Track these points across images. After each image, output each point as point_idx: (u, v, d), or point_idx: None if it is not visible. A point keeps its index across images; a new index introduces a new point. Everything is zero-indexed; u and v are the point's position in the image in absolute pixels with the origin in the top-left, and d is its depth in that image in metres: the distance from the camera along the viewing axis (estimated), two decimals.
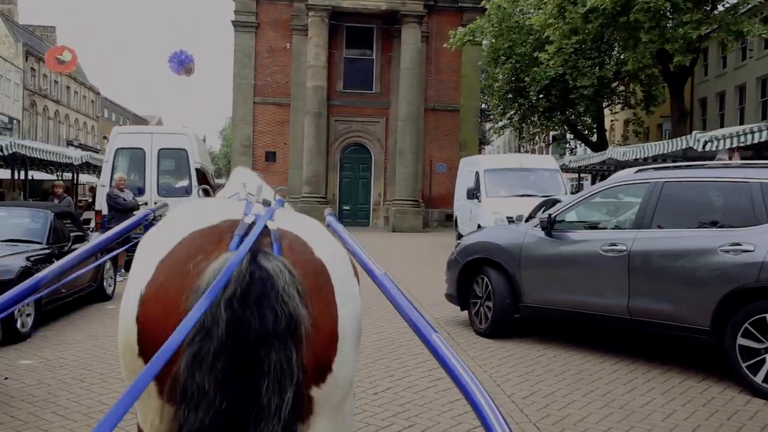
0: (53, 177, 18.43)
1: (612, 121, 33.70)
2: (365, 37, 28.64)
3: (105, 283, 9.55)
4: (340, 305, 1.86)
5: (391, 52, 28.18)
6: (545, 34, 21.23)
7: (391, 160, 28.25)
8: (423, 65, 27.11)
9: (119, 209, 10.84)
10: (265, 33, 28.40)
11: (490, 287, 7.49)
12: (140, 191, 12.99)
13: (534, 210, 12.68)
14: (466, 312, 8.13)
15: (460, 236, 17.77)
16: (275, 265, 1.67)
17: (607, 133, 32.81)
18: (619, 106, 31.03)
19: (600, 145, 30.69)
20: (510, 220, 13.99)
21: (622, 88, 29.87)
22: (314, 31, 26.41)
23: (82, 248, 2.55)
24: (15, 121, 43.33)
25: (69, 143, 45.20)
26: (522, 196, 15.34)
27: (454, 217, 19.49)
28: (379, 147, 28.57)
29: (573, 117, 31.26)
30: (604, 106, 29.68)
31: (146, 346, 1.74)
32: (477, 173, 16.37)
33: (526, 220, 12.27)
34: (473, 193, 15.72)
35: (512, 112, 36.59)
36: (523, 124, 36.92)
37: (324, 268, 1.87)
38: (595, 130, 34.64)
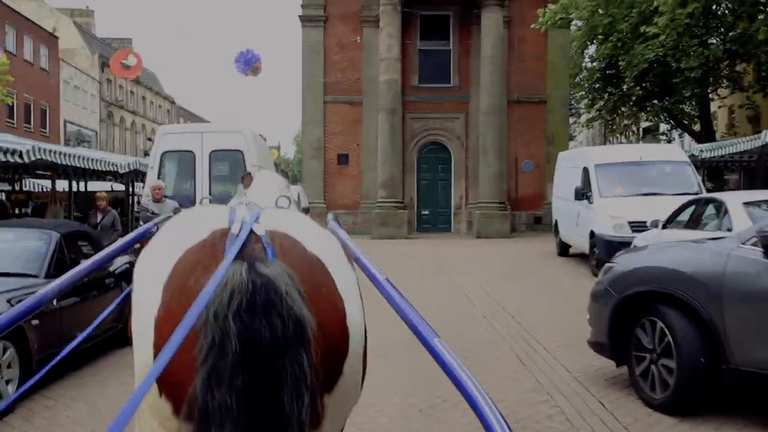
0: (108, 188, 16.80)
1: (719, 106, 29.80)
2: (441, 25, 26.06)
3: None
4: (345, 299, 1.85)
5: (470, 41, 25.48)
6: (654, 4, 18.10)
7: (472, 159, 25.54)
8: (505, 53, 24.29)
9: None
10: (334, 27, 26.25)
11: (669, 337, 4.87)
12: (191, 201, 10.90)
13: (675, 212, 9.81)
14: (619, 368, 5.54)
15: (563, 244, 15.00)
16: (273, 270, 1.65)
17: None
18: (728, 89, 27.17)
19: (704, 135, 27.03)
20: (637, 226, 11.15)
21: (734, 68, 26.07)
22: (386, 20, 24.04)
23: (78, 267, 2.40)
24: (93, 133, 43.05)
25: (145, 153, 44.61)
26: (645, 195, 12.43)
27: (554, 222, 16.65)
28: (459, 145, 25.92)
29: (673, 105, 27.69)
30: (709, 90, 25.97)
31: (165, 370, 1.60)
32: (585, 169, 13.53)
33: (664, 225, 9.44)
34: (582, 193, 12.89)
35: (601, 103, 33.32)
36: (615, 116, 33.55)
37: (320, 262, 1.86)
38: (697, 119, 30.91)
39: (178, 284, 1.78)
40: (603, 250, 11.94)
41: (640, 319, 5.18)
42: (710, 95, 26.36)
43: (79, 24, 45.48)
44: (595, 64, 31.12)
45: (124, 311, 7.04)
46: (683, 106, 29.59)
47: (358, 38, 26.15)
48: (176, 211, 9.03)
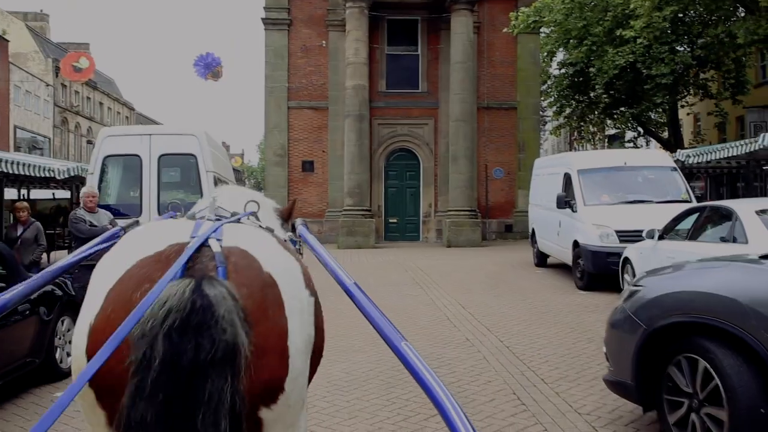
0: (54, 195, 15.32)
1: (687, 113, 29.47)
2: (409, 30, 25.14)
3: (56, 354, 6.17)
4: (290, 320, 1.83)
5: (439, 46, 24.61)
6: (630, 6, 17.43)
7: (441, 167, 24.64)
8: (475, 58, 23.45)
9: (83, 238, 7.54)
10: (298, 30, 25.13)
11: (716, 380, 3.87)
12: (137, 211, 9.66)
13: (673, 221, 8.92)
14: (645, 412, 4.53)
15: (541, 254, 14.09)
16: (218, 292, 1.63)
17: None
18: (696, 97, 26.82)
19: (673, 143, 26.64)
20: (625, 236, 10.27)
21: (702, 75, 25.73)
22: (353, 24, 23.02)
23: (18, 287, 2.28)
24: (46, 139, 40.99)
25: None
26: (632, 202, 11.58)
27: (530, 230, 15.73)
28: (428, 152, 24.99)
29: (641, 112, 27.22)
30: (678, 97, 25.56)
31: (96, 377, 1.64)
32: (567, 175, 12.63)
33: (661, 236, 8.54)
34: (565, 201, 11.98)
35: (569, 110, 32.84)
36: (582, 123, 33.11)
37: (273, 282, 1.84)
38: (665, 126, 30.58)
39: (121, 295, 1.78)
40: (588, 261, 11.04)
41: (675, 356, 4.19)
42: (679, 102, 25.94)
43: (32, 28, 43.41)
44: (563, 70, 30.62)
45: (43, 344, 5.84)
46: (651, 113, 29.20)
47: (324, 42, 25.09)
48: (112, 223, 7.83)
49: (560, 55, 31.76)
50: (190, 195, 10.30)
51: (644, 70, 23.46)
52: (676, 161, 13.60)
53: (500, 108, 25.12)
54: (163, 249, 1.86)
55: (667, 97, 24.22)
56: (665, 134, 29.83)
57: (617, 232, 10.79)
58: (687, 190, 11.84)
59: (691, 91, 25.80)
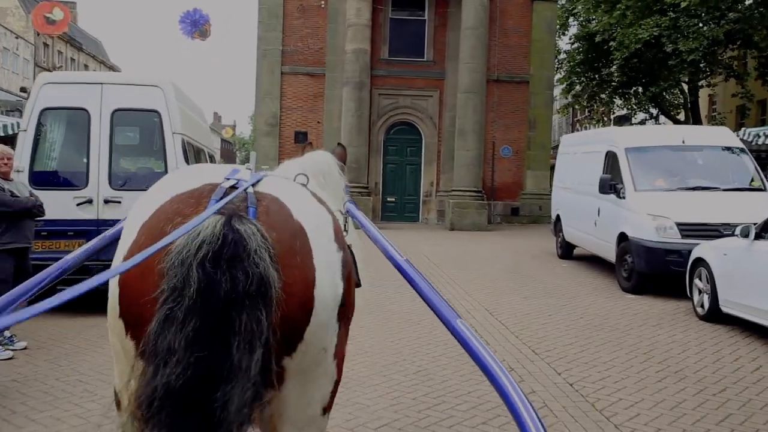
0: None
1: (710, 95, 27.29)
2: None
3: None
4: (318, 270, 1.79)
5: (449, 9, 22.21)
6: None
7: (445, 143, 22.40)
8: (487, 25, 21.07)
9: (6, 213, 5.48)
10: None
11: None
12: (82, 180, 7.44)
13: None
14: None
15: (567, 245, 12.00)
16: (248, 228, 1.62)
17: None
18: (721, 76, 24.64)
19: (692, 125, 24.52)
20: (690, 230, 8.20)
21: (729, 53, 23.54)
22: None
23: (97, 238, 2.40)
24: (25, 100, 38.22)
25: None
26: (694, 189, 9.43)
27: (554, 216, 13.58)
28: (432, 126, 22.72)
29: (660, 91, 25.04)
30: (704, 76, 23.38)
31: (125, 307, 1.74)
32: (611, 155, 10.44)
33: (759, 235, 6.43)
34: (610, 185, 9.79)
35: (578, 88, 30.61)
36: (593, 102, 30.92)
37: (302, 231, 1.81)
38: (681, 107, 28.45)
39: (154, 227, 1.77)
40: (641, 259, 8.92)
41: None
42: (702, 82, 23.75)
43: None
44: (576, 45, 28.34)
45: None
46: (668, 93, 27.06)
47: (323, 3, 22.61)
48: (32, 196, 5.69)
49: (573, 29, 29.52)
50: (151, 162, 8.06)
51: (669, 45, 21.22)
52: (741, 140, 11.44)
53: (511, 81, 22.84)
54: (197, 187, 1.86)
55: (694, 75, 22.03)
56: (680, 116, 27.72)
57: (679, 225, 8.65)
58: (761, 176, 9.69)
59: (717, 70, 23.56)
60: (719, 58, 22.68)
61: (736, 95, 23.69)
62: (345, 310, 1.97)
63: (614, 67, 24.55)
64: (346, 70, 21.02)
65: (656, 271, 8.87)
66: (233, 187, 1.84)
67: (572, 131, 51.52)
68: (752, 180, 9.67)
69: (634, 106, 30.33)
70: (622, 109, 32.18)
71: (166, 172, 7.61)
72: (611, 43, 22.45)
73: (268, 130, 22.77)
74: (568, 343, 6.57)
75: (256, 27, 22.85)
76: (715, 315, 7.33)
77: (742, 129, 14.66)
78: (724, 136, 10.35)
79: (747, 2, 22.11)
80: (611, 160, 10.45)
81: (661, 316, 7.83)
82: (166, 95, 7.79)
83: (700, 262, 7.67)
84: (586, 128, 53.56)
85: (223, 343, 1.53)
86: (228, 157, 78.91)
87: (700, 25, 20.87)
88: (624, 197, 9.60)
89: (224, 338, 1.53)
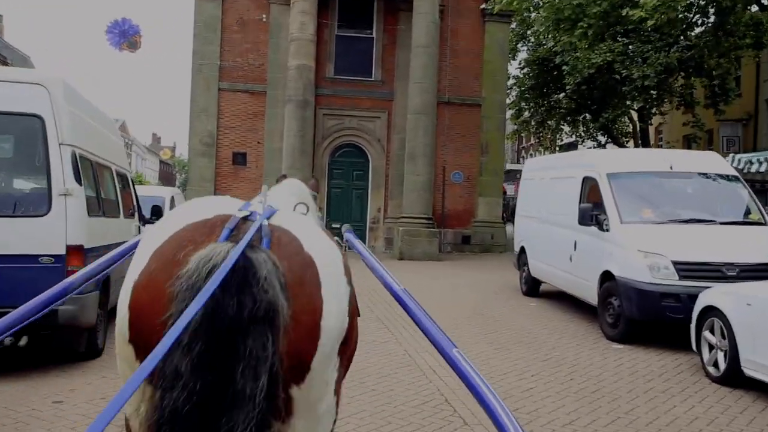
0: None
1: (658, 124, 26.83)
2: (363, 8, 21.34)
3: None
4: (326, 301, 1.78)
5: (398, 26, 20.93)
6: None
7: (394, 166, 20.96)
8: (438, 44, 19.84)
9: None
10: (234, 1, 20.93)
11: None
12: None
13: None
14: None
15: (533, 280, 10.63)
16: (260, 256, 1.63)
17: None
18: (672, 104, 24.17)
19: None
20: (689, 270, 6.92)
21: (680, 81, 23.05)
22: None
23: (106, 256, 2.47)
24: None
25: None
26: (688, 221, 8.15)
27: (517, 248, 12.19)
28: (379, 149, 21.25)
29: (611, 118, 24.37)
30: (656, 103, 22.75)
31: (135, 332, 1.73)
32: (588, 181, 9.11)
33: None
34: (591, 216, 8.43)
35: (527, 114, 29.86)
36: (541, 129, 30.22)
37: (312, 262, 1.80)
38: (630, 136, 27.97)
39: (165, 254, 1.76)
40: (632, 303, 7.54)
41: None
42: (654, 110, 23.15)
43: None
44: (526, 70, 27.58)
45: None
46: (618, 121, 26.48)
47: (264, 16, 20.97)
48: None
49: (522, 54, 28.80)
50: (30, 181, 6.21)
51: (623, 71, 20.49)
52: (735, 168, 10.30)
53: (463, 104, 21.63)
54: (210, 217, 1.86)
55: (648, 102, 21.35)
56: (629, 144, 27.20)
57: (676, 264, 7.32)
58: (759, 208, 8.49)
59: (667, 98, 23.02)
60: (672, 86, 22.10)
61: (687, 124, 23.17)
62: (346, 348, 1.95)
63: (566, 92, 23.71)
64: (289, 87, 19.38)
65: (649, 318, 7.50)
66: (246, 219, 1.84)
67: (518, 158, 51.14)
68: (748, 212, 8.48)
69: (582, 134, 29.78)
70: (570, 136, 31.60)
71: (49, 193, 5.83)
72: (564, 68, 21.57)
73: (204, 150, 20.81)
74: (567, 422, 5.03)
75: (192, 41, 21.00)
76: (733, 377, 5.95)
77: (730, 155, 13.71)
78: (714, 162, 9.16)
79: (697, 30, 21.73)
80: (589, 187, 9.12)
81: (665, 377, 6.39)
82: (52, 96, 5.98)
83: (711, 311, 6.29)
84: (532, 155, 53.24)
85: (228, 368, 1.51)
86: (167, 179, 75.63)
87: (652, 51, 20.22)
88: (608, 230, 8.24)
89: (229, 364, 1.51)
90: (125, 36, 20.15)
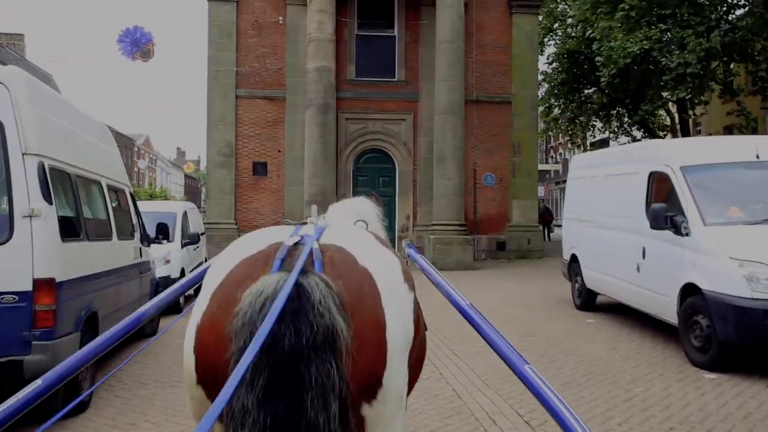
0: None
1: (697, 114, 25.10)
2: (383, 5, 20.14)
3: None
4: (388, 314, 1.72)
5: (421, 22, 19.67)
6: None
7: (422, 171, 19.69)
8: (464, 39, 18.51)
9: None
10: (250, 3, 19.87)
11: None
12: None
13: None
14: None
15: (588, 292, 9.24)
16: (311, 281, 1.60)
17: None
18: (715, 93, 22.49)
19: None
20: None
21: (722, 69, 21.37)
22: None
23: (174, 286, 2.51)
24: None
25: None
26: None
27: (567, 253, 10.78)
28: (406, 153, 19.98)
29: (648, 112, 22.76)
30: (687, 96, 21.00)
31: (202, 374, 1.71)
32: (658, 177, 7.70)
33: None
34: (666, 218, 7.03)
35: (557, 111, 28.37)
36: (571, 126, 28.68)
37: (368, 276, 1.76)
38: (668, 130, 26.32)
39: (224, 294, 1.74)
40: (727, 323, 6.12)
41: None
42: (697, 99, 21.47)
43: None
44: (555, 65, 26.10)
45: None
46: (654, 115, 24.84)
47: (281, 18, 19.90)
48: None
49: (549, 49, 27.35)
50: None
51: (661, 59, 18.96)
52: None
53: (491, 102, 20.28)
54: (263, 249, 1.83)
55: (690, 91, 19.73)
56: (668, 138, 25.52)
57: None
58: None
59: (709, 86, 21.34)
60: (715, 73, 20.46)
61: (732, 113, 21.48)
62: (418, 353, 1.92)
63: (600, 85, 22.17)
64: (309, 91, 18.21)
65: (751, 342, 6.08)
66: (298, 244, 1.81)
67: (546, 159, 49.42)
68: None
69: (616, 129, 28.19)
70: (603, 132, 29.99)
71: (10, 215, 4.66)
72: (598, 59, 20.08)
73: (223, 160, 19.74)
74: None
75: (207, 47, 19.97)
76: None
77: None
78: None
79: (739, 12, 20.13)
80: (657, 183, 7.72)
81: None
82: (13, 96, 4.82)
83: None
84: (561, 155, 51.33)
85: (296, 398, 1.47)
86: (193, 193, 75.30)
87: (693, 36, 18.65)
88: (687, 234, 6.83)
89: (296, 393, 1.48)
90: (137, 45, 19.21)
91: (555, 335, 8.28)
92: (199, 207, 34.89)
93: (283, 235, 1.90)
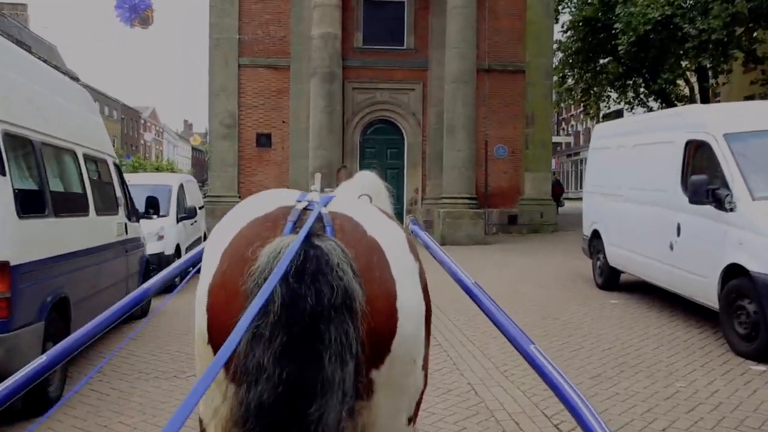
0: None
1: (722, 83, 24.05)
2: None
3: None
4: (398, 282, 1.74)
5: None
6: None
7: (431, 143, 18.87)
8: (475, 5, 17.53)
9: None
10: None
11: None
12: None
13: None
14: None
15: (611, 270, 8.52)
16: (328, 244, 1.59)
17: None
18: (738, 61, 21.41)
19: None
20: None
21: (746, 36, 20.26)
22: None
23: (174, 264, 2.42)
24: None
25: None
26: None
27: (588, 229, 10.02)
28: (415, 124, 19.14)
29: (668, 81, 21.75)
30: (722, 61, 20.00)
31: (214, 333, 1.70)
32: (697, 146, 6.91)
33: None
34: (707, 192, 6.24)
35: (571, 82, 27.32)
36: (587, 97, 27.66)
37: (377, 245, 1.77)
38: (686, 100, 25.24)
39: (235, 253, 1.74)
40: None
41: None
42: (720, 67, 20.40)
43: None
44: (569, 33, 24.98)
45: None
46: (672, 84, 23.75)
47: None
48: None
49: (563, 17, 26.20)
50: None
51: (684, 25, 17.92)
52: None
53: (504, 70, 19.35)
54: (271, 210, 1.84)
55: (714, 59, 18.72)
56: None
57: None
58: None
59: (733, 55, 20.26)
60: (741, 40, 19.36)
61: (756, 82, 20.45)
62: (427, 319, 1.92)
63: (619, 53, 21.14)
64: (314, 59, 17.35)
65: None
66: (306, 209, 1.81)
67: (558, 131, 48.27)
68: None
69: (632, 100, 27.15)
70: (618, 103, 28.92)
71: None
72: (616, 26, 19.04)
73: (225, 132, 18.99)
74: None
75: (207, 13, 19.08)
76: None
77: None
78: None
79: None
80: (696, 153, 6.92)
81: None
82: None
83: None
84: (573, 126, 50.07)
85: (314, 357, 1.48)
86: (200, 166, 74.62)
87: (718, 1, 17.56)
88: (732, 209, 6.05)
89: (315, 352, 1.48)
90: (136, 11, 18.27)
91: (577, 318, 7.57)
92: (206, 180, 34.15)
93: (290, 198, 1.91)
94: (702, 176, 6.34)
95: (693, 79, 24.73)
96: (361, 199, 2.43)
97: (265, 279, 1.49)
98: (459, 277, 2.24)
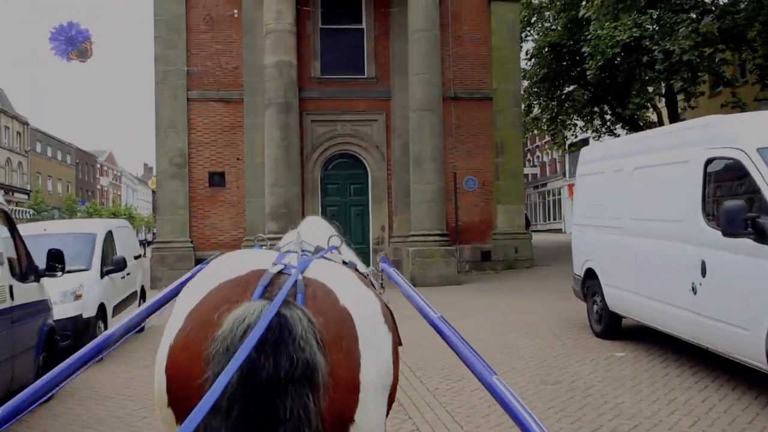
0: None
1: (685, 108, 23.42)
2: None
3: None
4: (364, 355, 1.70)
5: (391, 9, 17.58)
6: None
7: (397, 176, 17.57)
8: (439, 28, 16.47)
9: None
10: None
11: None
12: None
13: None
14: None
15: (611, 315, 7.16)
16: (294, 313, 1.56)
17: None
18: (707, 84, 20.80)
19: None
20: None
21: (717, 57, 19.65)
22: None
23: (142, 307, 2.34)
24: None
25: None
26: None
27: (580, 266, 8.65)
28: (379, 157, 17.83)
29: (636, 107, 21.05)
30: (682, 86, 19.26)
31: (173, 395, 1.67)
32: (720, 164, 5.66)
33: None
34: (747, 221, 4.95)
35: (537, 111, 26.59)
36: (553, 126, 26.89)
37: (348, 315, 1.73)
38: (655, 126, 24.54)
39: (200, 316, 1.69)
40: None
41: None
42: (691, 88, 19.66)
43: None
44: (534, 61, 24.24)
45: None
46: (643, 108, 23.06)
47: (236, 12, 17.70)
48: None
49: (527, 45, 25.51)
50: None
51: (654, 48, 17.17)
52: None
53: (471, 98, 18.24)
54: (244, 274, 1.78)
55: (686, 81, 17.99)
56: None
57: None
58: None
59: (702, 77, 19.58)
60: (711, 62, 18.68)
61: (726, 105, 19.77)
62: (392, 394, 1.88)
63: (587, 78, 20.36)
64: (268, 89, 15.98)
65: None
66: (281, 273, 1.77)
67: (524, 162, 47.69)
68: None
69: (598, 128, 26.48)
70: (585, 131, 28.24)
71: None
72: (584, 49, 18.21)
73: (175, 171, 17.38)
74: None
75: (153, 46, 17.65)
76: None
77: None
78: None
79: None
80: (719, 173, 5.67)
81: None
82: None
83: None
84: (538, 158, 49.58)
85: (269, 430, 1.44)
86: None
87: (687, 22, 16.88)
88: None
89: (271, 426, 1.44)
90: (73, 43, 16.80)
91: (583, 382, 6.15)
92: None
93: (266, 260, 1.86)
94: (738, 202, 5.05)
95: (660, 104, 24.13)
96: (331, 241, 2.38)
97: (227, 347, 1.45)
98: (425, 312, 2.24)
